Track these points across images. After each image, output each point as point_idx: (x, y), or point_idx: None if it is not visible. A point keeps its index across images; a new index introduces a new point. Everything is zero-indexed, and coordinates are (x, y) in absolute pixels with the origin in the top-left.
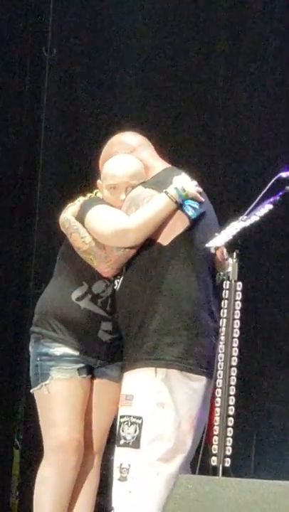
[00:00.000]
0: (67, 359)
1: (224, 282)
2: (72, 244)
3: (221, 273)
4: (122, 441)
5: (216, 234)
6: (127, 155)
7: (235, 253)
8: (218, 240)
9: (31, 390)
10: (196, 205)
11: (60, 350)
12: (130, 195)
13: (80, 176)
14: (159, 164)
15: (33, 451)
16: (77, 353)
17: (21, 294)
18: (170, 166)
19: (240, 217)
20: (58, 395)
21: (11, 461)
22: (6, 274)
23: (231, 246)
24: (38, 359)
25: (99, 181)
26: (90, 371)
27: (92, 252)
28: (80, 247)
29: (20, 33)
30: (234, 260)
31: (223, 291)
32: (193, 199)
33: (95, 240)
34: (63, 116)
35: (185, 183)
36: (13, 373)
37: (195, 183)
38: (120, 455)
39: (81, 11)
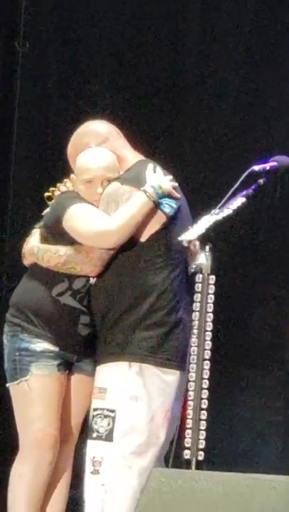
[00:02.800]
0: (48, 355)
1: (197, 275)
2: (48, 265)
3: (193, 265)
4: (94, 434)
5: (189, 227)
6: (100, 147)
7: (208, 246)
8: (191, 234)
9: (8, 385)
10: (172, 202)
11: (40, 345)
12: (107, 190)
13: (54, 167)
14: (131, 155)
15: (8, 446)
16: (57, 349)
17: None
18: (142, 157)
19: (213, 211)
20: (37, 391)
21: None
22: None
23: (204, 239)
24: (17, 354)
25: (73, 176)
26: (68, 367)
27: (73, 260)
28: (58, 261)
29: None
30: (207, 253)
31: (196, 285)
32: (169, 196)
33: (70, 249)
34: (36, 110)
35: (160, 180)
36: None
37: (170, 177)
38: (93, 448)
39: (54, 3)
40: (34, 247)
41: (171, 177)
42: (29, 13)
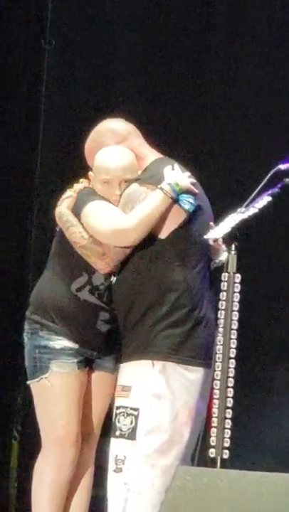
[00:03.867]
0: (67, 352)
1: (223, 274)
2: (69, 238)
3: (216, 261)
4: (117, 433)
5: (213, 226)
6: (119, 146)
7: (233, 245)
8: (217, 232)
9: (28, 382)
10: (191, 198)
11: (60, 343)
12: (126, 192)
13: (78, 165)
14: (150, 154)
15: (32, 443)
16: (76, 346)
17: (20, 284)
18: (161, 155)
19: (239, 209)
20: (57, 388)
21: (9, 452)
22: (4, 264)
23: (230, 238)
24: (37, 351)
25: (91, 173)
26: (88, 364)
27: (90, 249)
28: (78, 242)
29: (19, 25)
30: (232, 252)
31: (222, 283)
32: (188, 192)
33: (92, 236)
34: (62, 107)
35: (177, 176)
36: (12, 364)
37: (188, 174)
38: (116, 446)
39: (80, 1)
40: (64, 214)
41: (189, 174)
42: (55, 12)
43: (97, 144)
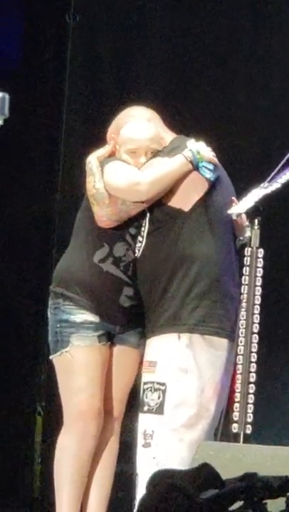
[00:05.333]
0: (88, 326)
1: (246, 249)
2: (86, 186)
3: (241, 238)
4: (145, 408)
5: (236, 201)
6: (143, 121)
7: (256, 220)
8: (240, 207)
9: (51, 357)
10: (211, 167)
11: (80, 317)
12: (148, 163)
13: (103, 140)
14: (169, 135)
15: (56, 418)
16: (97, 320)
17: (44, 261)
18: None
19: (262, 184)
20: (78, 362)
21: (33, 428)
22: (29, 238)
23: (253, 213)
24: (58, 325)
25: (117, 146)
26: (110, 338)
27: (97, 198)
28: (90, 190)
29: (43, 0)
30: (256, 227)
31: (245, 258)
32: (209, 162)
33: (104, 189)
34: (87, 83)
35: (199, 146)
36: (35, 340)
37: (209, 149)
38: (144, 421)
39: None
40: (90, 162)
41: (210, 149)
42: None
43: (120, 127)
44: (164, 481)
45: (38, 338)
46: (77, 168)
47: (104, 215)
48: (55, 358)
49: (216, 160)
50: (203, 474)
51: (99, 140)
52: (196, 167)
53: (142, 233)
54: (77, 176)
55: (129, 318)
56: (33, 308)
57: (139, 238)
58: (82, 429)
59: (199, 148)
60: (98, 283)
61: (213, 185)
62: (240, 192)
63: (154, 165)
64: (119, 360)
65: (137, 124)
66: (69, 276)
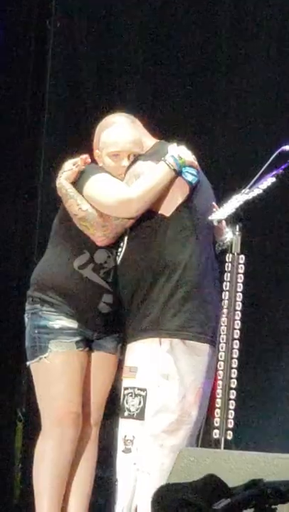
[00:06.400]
0: (66, 332)
1: (227, 255)
2: (69, 210)
3: (220, 243)
4: (126, 413)
5: (217, 207)
6: (125, 125)
7: (238, 226)
8: (221, 213)
9: (28, 363)
10: (193, 171)
11: (59, 322)
12: (130, 167)
13: (84, 147)
14: (150, 141)
15: (36, 424)
16: (76, 326)
17: (24, 264)
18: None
19: (243, 190)
20: (56, 368)
21: (13, 433)
22: (9, 244)
23: (234, 219)
24: (36, 331)
25: (97, 151)
26: (88, 344)
27: (89, 219)
28: (77, 213)
29: (24, 6)
30: (237, 233)
31: (226, 264)
32: (191, 166)
33: (93, 207)
34: (67, 88)
35: (180, 150)
36: (16, 345)
37: (190, 152)
38: (124, 427)
39: None
40: (63, 187)
41: (190, 152)
42: None
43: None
44: (173, 496)
45: (18, 343)
46: (58, 169)
47: (102, 235)
48: (33, 364)
49: (196, 164)
50: (211, 485)
51: (80, 145)
52: (178, 173)
53: (123, 239)
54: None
55: (107, 324)
56: (14, 313)
57: (120, 244)
58: (60, 434)
59: (180, 153)
60: (77, 289)
61: (193, 190)
62: (221, 198)
63: (136, 173)
64: (96, 365)
65: (119, 128)
66: (48, 281)
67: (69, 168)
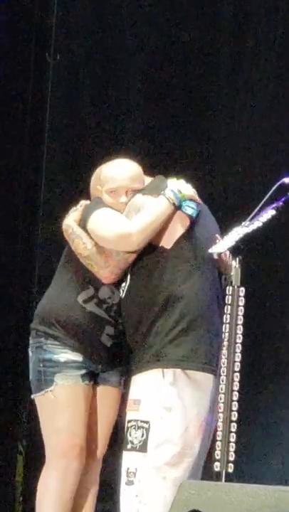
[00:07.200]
0: (71, 365)
1: (227, 287)
2: (74, 250)
3: (227, 276)
4: (129, 446)
5: (219, 238)
6: (125, 159)
7: (238, 258)
8: (221, 246)
9: (33, 396)
10: (193, 205)
11: (64, 356)
12: (130, 202)
13: (84, 181)
14: (147, 177)
15: (37, 457)
16: (80, 359)
17: (24, 298)
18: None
19: (243, 223)
20: (62, 401)
21: (14, 466)
22: (9, 278)
23: (234, 251)
24: (41, 365)
25: (98, 187)
26: (92, 377)
27: (93, 258)
28: (82, 253)
29: (24, 39)
30: (237, 266)
31: (226, 297)
32: (191, 199)
33: (96, 246)
34: (67, 122)
35: (181, 184)
36: (17, 378)
37: (190, 186)
38: (127, 459)
39: (84, 15)
40: (70, 227)
41: (190, 186)
42: (60, 26)
43: (96, 177)
44: None
45: (19, 375)
46: (59, 207)
47: (107, 272)
48: (38, 398)
49: (197, 197)
50: None
51: (79, 178)
52: (178, 207)
53: (127, 274)
54: (58, 215)
55: (110, 357)
56: (14, 345)
57: (124, 278)
58: (64, 467)
59: (180, 187)
60: (81, 322)
61: (194, 222)
62: (221, 230)
63: (136, 206)
64: (101, 399)
65: (118, 163)
66: (52, 314)
67: (74, 209)
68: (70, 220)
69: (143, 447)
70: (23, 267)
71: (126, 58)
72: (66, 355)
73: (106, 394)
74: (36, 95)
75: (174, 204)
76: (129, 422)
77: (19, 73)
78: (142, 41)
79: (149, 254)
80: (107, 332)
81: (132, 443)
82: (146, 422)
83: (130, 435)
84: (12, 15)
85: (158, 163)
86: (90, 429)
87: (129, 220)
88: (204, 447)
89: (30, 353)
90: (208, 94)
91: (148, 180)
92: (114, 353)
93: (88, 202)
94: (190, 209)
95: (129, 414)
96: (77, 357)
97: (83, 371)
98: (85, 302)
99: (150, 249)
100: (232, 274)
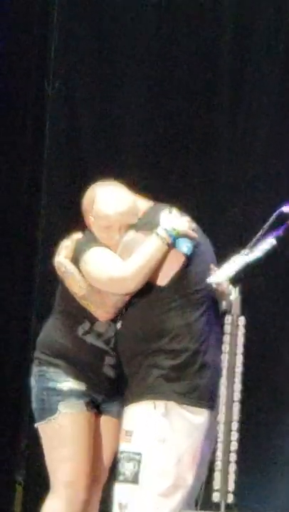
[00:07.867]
0: (75, 394)
1: (226, 317)
2: (69, 288)
3: (224, 306)
4: (121, 477)
5: (215, 269)
6: (118, 190)
7: (237, 288)
8: (220, 276)
9: (36, 424)
10: (188, 242)
11: (66, 385)
12: (123, 240)
13: (82, 212)
14: (142, 203)
15: (36, 488)
16: (83, 388)
17: (23, 330)
18: (154, 203)
19: (242, 252)
20: (66, 429)
21: (13, 497)
22: (8, 310)
23: (233, 280)
24: (44, 393)
25: (91, 217)
26: (95, 406)
27: (89, 298)
28: (77, 292)
29: (22, 67)
30: (236, 295)
31: (225, 326)
32: (185, 236)
33: (90, 285)
34: (66, 150)
35: (174, 221)
36: (16, 407)
37: (187, 218)
38: (119, 491)
39: (83, 44)
40: (62, 265)
41: (188, 218)
42: (58, 54)
43: (92, 201)
44: None
45: (18, 405)
46: (57, 234)
47: (103, 311)
48: (41, 426)
49: (192, 233)
50: None
51: (78, 205)
52: (172, 245)
53: (122, 309)
54: (56, 242)
55: (112, 387)
56: (14, 374)
57: (120, 313)
58: (72, 495)
59: (174, 225)
60: (82, 353)
61: (189, 257)
62: (221, 259)
63: (128, 247)
64: (102, 429)
65: (111, 195)
66: (53, 344)
67: (66, 245)
68: (62, 258)
69: (135, 479)
70: (22, 301)
71: (126, 85)
72: (68, 383)
73: (107, 424)
74: (35, 124)
75: (167, 244)
76: (121, 453)
77: (18, 102)
78: (142, 69)
79: (143, 291)
80: (108, 362)
81: (124, 474)
82: (138, 454)
83: (122, 467)
84: (10, 42)
85: (160, 190)
86: (93, 458)
87: (123, 260)
88: (198, 478)
89: (33, 382)
90: (208, 122)
91: (143, 204)
92: (116, 383)
93: (80, 235)
94: (185, 247)
95: (122, 446)
96: (80, 386)
97: (87, 399)
98: (84, 335)
99: (145, 286)
100: (231, 300)
